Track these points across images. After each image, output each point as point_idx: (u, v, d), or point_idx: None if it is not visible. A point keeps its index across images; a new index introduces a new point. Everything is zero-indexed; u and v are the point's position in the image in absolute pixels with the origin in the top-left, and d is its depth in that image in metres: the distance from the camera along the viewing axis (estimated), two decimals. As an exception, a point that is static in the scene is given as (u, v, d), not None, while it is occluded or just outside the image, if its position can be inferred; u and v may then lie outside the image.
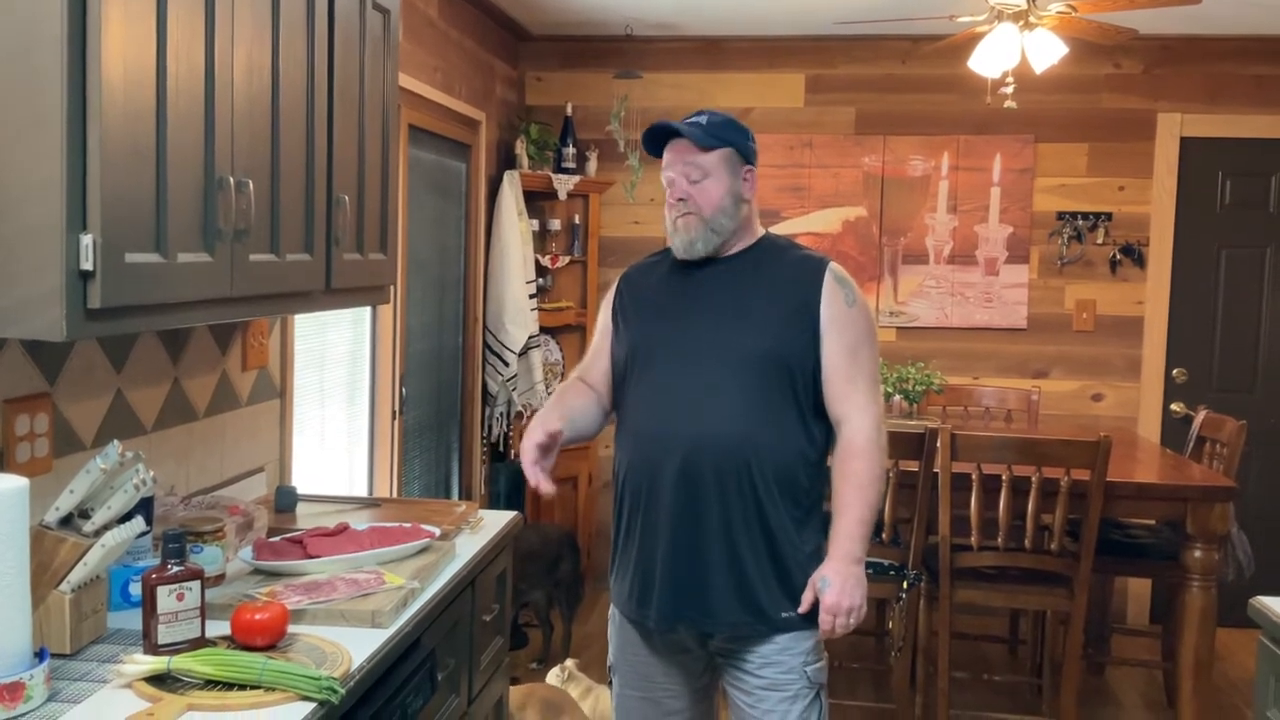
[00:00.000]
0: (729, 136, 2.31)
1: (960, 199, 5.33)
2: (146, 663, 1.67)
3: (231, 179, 1.87)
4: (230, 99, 1.87)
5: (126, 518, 1.82)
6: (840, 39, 5.24)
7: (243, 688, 1.64)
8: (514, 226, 4.83)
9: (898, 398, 4.50)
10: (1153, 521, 4.31)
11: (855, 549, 2.25)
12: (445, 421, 4.65)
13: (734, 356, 2.27)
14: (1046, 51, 3.89)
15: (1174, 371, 5.30)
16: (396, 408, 3.98)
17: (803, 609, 2.25)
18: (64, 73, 1.50)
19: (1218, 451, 4.25)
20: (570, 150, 5.24)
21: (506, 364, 4.83)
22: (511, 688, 3.21)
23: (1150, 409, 5.30)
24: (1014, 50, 3.87)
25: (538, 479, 2.20)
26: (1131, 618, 5.31)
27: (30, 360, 1.97)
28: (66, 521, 1.81)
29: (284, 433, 3.01)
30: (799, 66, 5.40)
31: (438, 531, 2.44)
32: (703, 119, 2.32)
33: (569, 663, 3.67)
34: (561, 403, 2.38)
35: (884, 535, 3.77)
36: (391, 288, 2.80)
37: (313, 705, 1.62)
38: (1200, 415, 4.53)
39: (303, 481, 3.10)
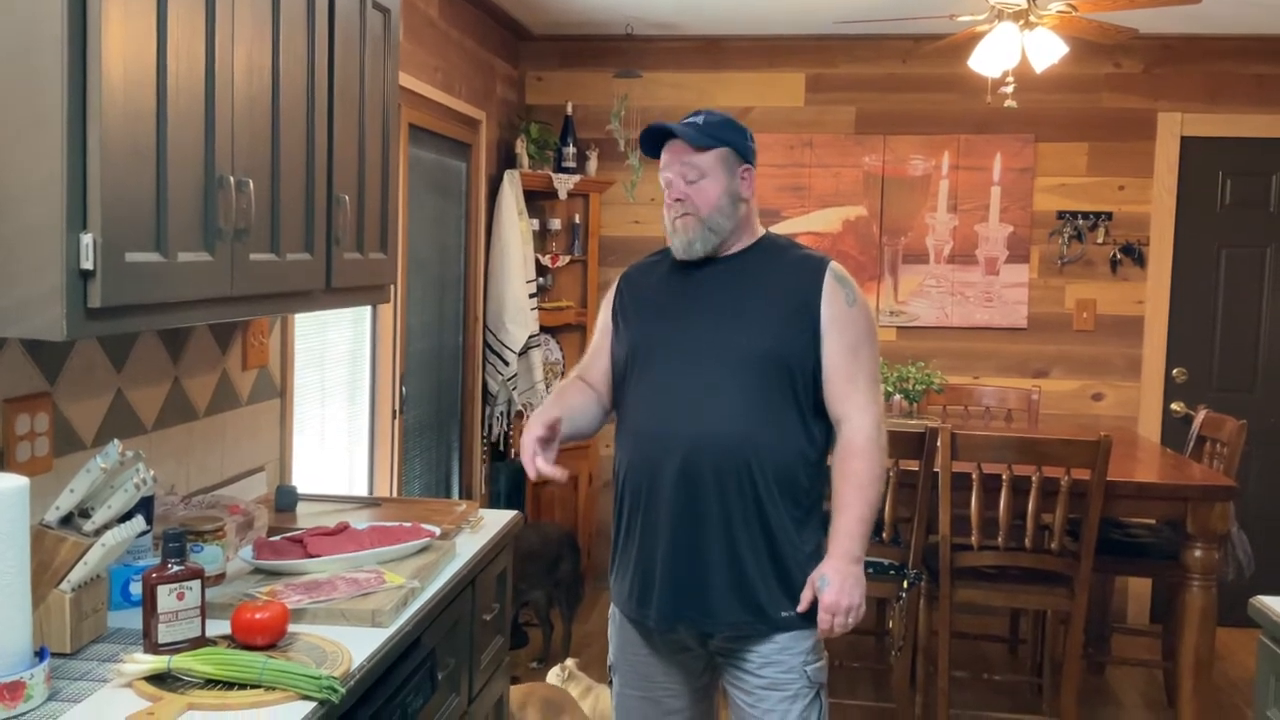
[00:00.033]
0: (725, 136, 2.31)
1: (960, 198, 5.33)
2: (147, 662, 1.68)
3: (232, 178, 1.87)
4: (230, 98, 1.87)
5: (127, 517, 1.82)
6: (840, 38, 5.24)
7: (243, 687, 1.65)
8: (514, 226, 4.83)
9: (898, 397, 4.50)
10: (1153, 521, 4.31)
11: (854, 548, 2.25)
12: (445, 421, 4.65)
13: (734, 356, 2.27)
14: (1047, 51, 3.89)
15: (1174, 371, 5.30)
16: (397, 407, 3.98)
17: (802, 608, 2.25)
18: (64, 72, 1.50)
19: (1218, 451, 4.25)
20: (570, 150, 5.24)
21: (507, 363, 4.83)
22: (512, 687, 3.21)
23: (1150, 408, 5.31)
24: (1014, 50, 3.87)
25: (539, 469, 2.18)
26: (1132, 617, 5.31)
27: (30, 359, 1.97)
28: (67, 521, 1.81)
29: (284, 432, 3.01)
30: (799, 66, 5.40)
31: (438, 531, 2.44)
32: (699, 119, 2.32)
33: (569, 662, 3.67)
34: (560, 400, 2.38)
35: (884, 534, 3.77)
36: (392, 287, 2.80)
37: (313, 704, 1.62)
38: (1200, 415, 4.53)
39: (303, 481, 3.10)
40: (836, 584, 2.21)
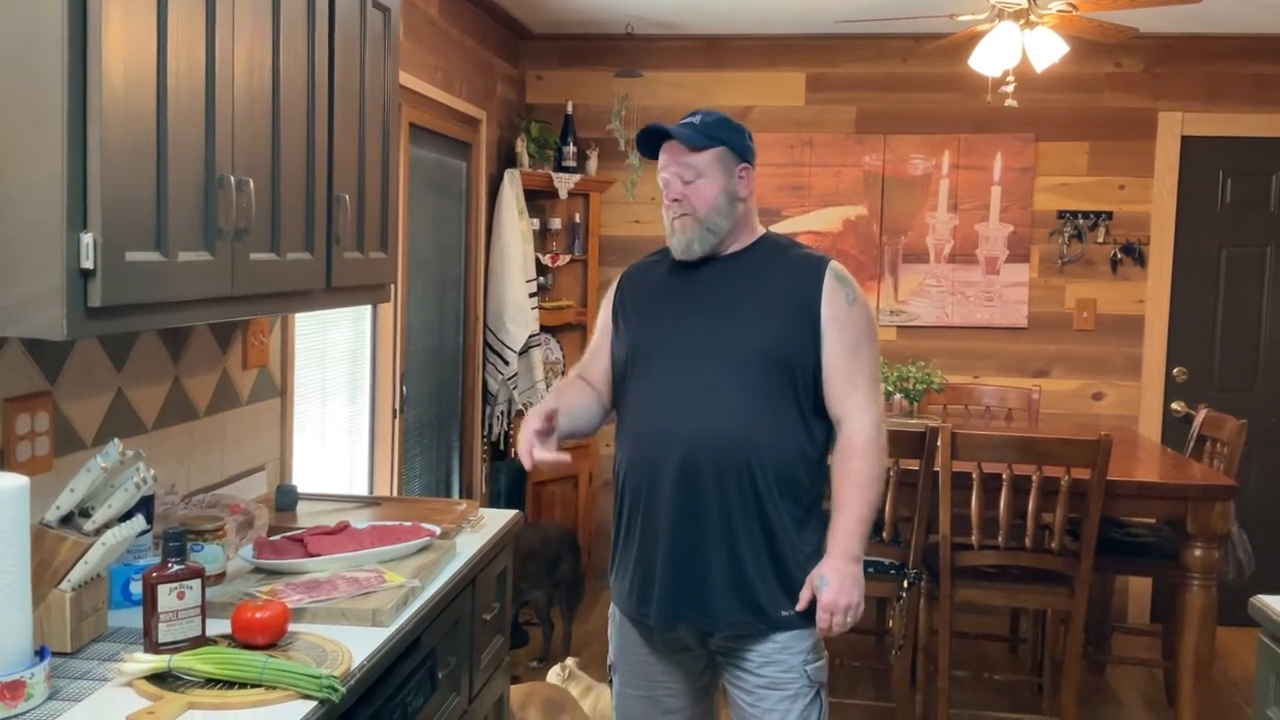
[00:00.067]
0: (722, 135, 2.31)
1: (961, 198, 5.33)
2: (147, 661, 1.68)
3: (232, 178, 1.87)
4: (231, 98, 1.87)
5: (127, 516, 1.82)
6: (841, 37, 5.24)
7: (243, 686, 1.64)
8: (514, 225, 4.83)
9: (898, 396, 4.50)
10: (1153, 520, 4.31)
11: (853, 547, 2.25)
12: (446, 420, 4.65)
13: (734, 355, 2.27)
14: (1047, 50, 3.89)
15: (1174, 370, 5.30)
16: (397, 406, 3.98)
17: (800, 606, 2.25)
18: (64, 72, 1.50)
19: (1218, 450, 4.25)
20: (571, 149, 5.24)
21: (507, 363, 4.83)
22: (513, 687, 3.22)
23: (1151, 408, 5.30)
24: (1015, 49, 3.87)
25: (535, 457, 2.17)
26: (1132, 616, 5.31)
27: (31, 359, 1.97)
28: (67, 520, 1.81)
29: (284, 431, 3.01)
30: (800, 65, 5.40)
31: (438, 530, 2.44)
32: (696, 119, 2.32)
33: (569, 661, 3.67)
34: (558, 397, 2.38)
35: (884, 534, 3.77)
36: (392, 286, 2.80)
37: (313, 704, 1.63)
38: (1201, 414, 4.52)
39: (303, 480, 3.10)
40: (835, 583, 2.21)
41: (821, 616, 2.22)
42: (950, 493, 3.68)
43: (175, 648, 1.74)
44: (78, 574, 1.76)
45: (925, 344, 5.32)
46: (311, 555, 2.22)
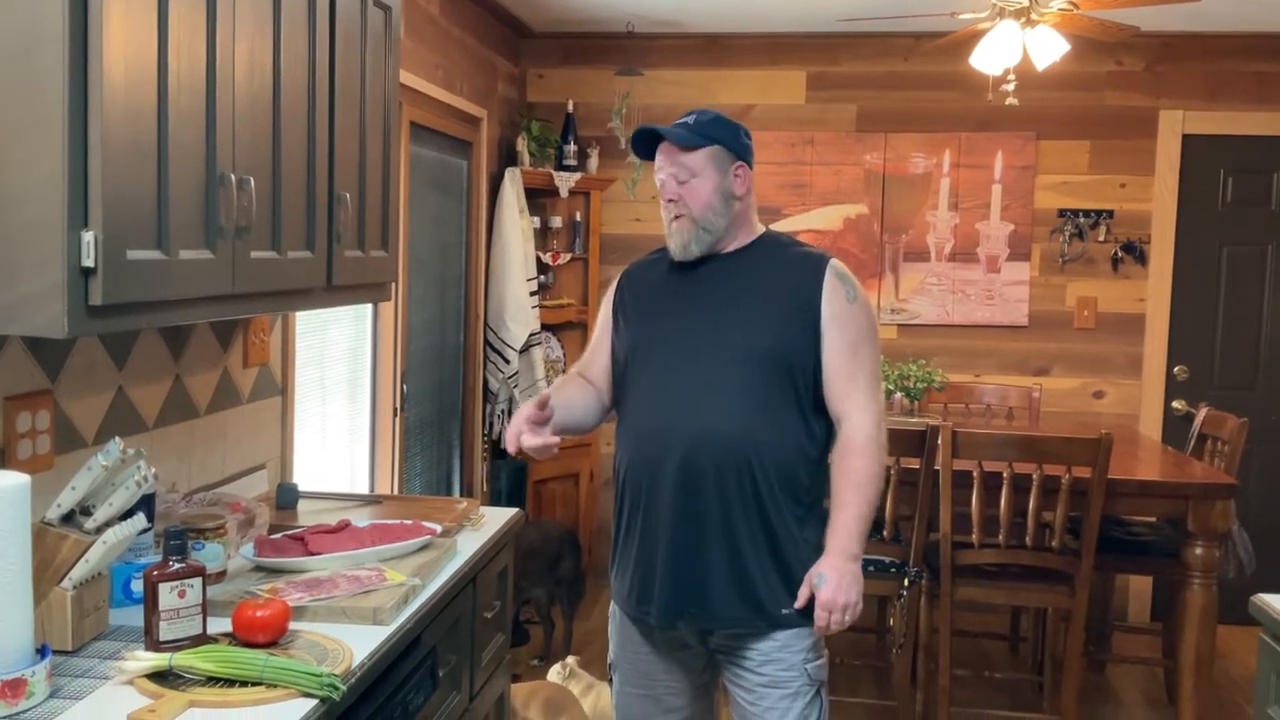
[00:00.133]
0: (716, 134, 2.30)
1: (961, 196, 5.32)
2: (148, 659, 1.68)
3: (233, 176, 1.87)
4: (231, 96, 1.87)
5: (128, 514, 1.83)
6: (842, 36, 5.24)
7: (244, 684, 1.65)
8: (515, 223, 4.83)
9: (899, 395, 4.50)
10: (1154, 519, 4.31)
11: (852, 546, 2.25)
12: (446, 419, 4.65)
13: (734, 354, 2.27)
14: (1048, 49, 3.89)
15: (1175, 369, 5.29)
16: (398, 405, 3.98)
17: (799, 604, 2.25)
18: (65, 70, 1.50)
19: (1219, 449, 4.25)
20: (571, 147, 5.24)
21: (508, 361, 4.83)
22: (515, 686, 3.22)
23: (1151, 406, 5.30)
24: (1016, 47, 3.87)
25: (522, 442, 2.16)
26: (1132, 615, 5.31)
27: (31, 357, 1.97)
28: (68, 518, 1.81)
29: (285, 430, 3.01)
30: (800, 63, 5.39)
31: (439, 528, 2.44)
32: (691, 119, 2.32)
33: (570, 660, 3.67)
34: (557, 393, 2.38)
35: (885, 532, 3.76)
36: (393, 285, 2.80)
37: (314, 702, 1.63)
38: (1201, 413, 4.52)
39: (304, 479, 3.10)
40: (834, 581, 2.21)
41: (820, 614, 2.22)
42: (951, 491, 3.68)
43: (176, 646, 1.74)
44: (79, 572, 1.76)
45: (926, 342, 5.32)
46: (312, 554, 2.22)
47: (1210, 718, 4.04)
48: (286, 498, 2.69)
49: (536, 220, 5.08)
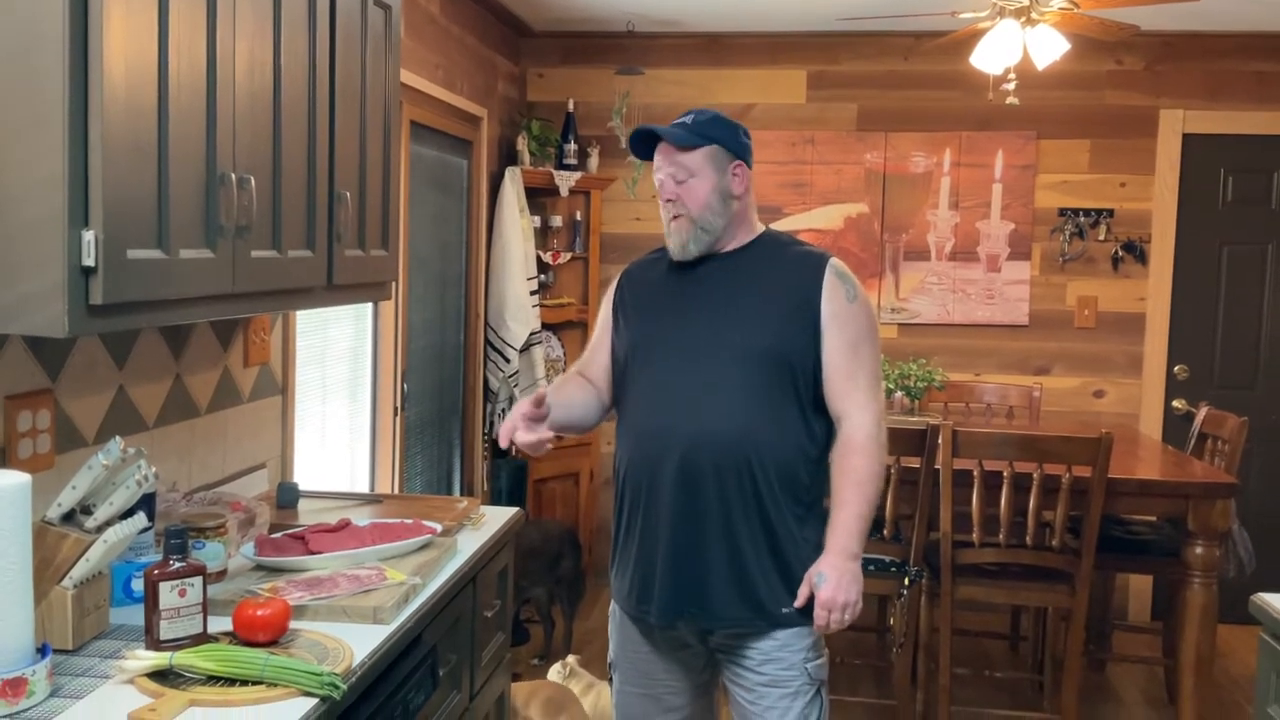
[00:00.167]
0: (713, 133, 2.30)
1: (962, 195, 5.32)
2: (149, 658, 1.68)
3: (233, 175, 1.87)
4: (232, 95, 1.87)
5: (129, 514, 1.83)
6: (842, 35, 5.24)
7: (245, 683, 1.65)
8: (515, 223, 4.83)
9: (899, 394, 4.50)
10: (1154, 518, 4.31)
11: (852, 545, 2.25)
12: (447, 418, 4.65)
13: (733, 353, 2.27)
14: (1048, 48, 3.89)
15: (1175, 368, 5.29)
16: (398, 404, 3.98)
17: (798, 603, 2.25)
18: (65, 69, 1.50)
19: (1219, 448, 4.25)
20: (572, 146, 5.24)
21: (508, 360, 4.84)
22: (516, 685, 3.22)
23: (1152, 405, 5.30)
24: (1016, 46, 3.87)
25: (517, 439, 2.17)
26: (1133, 614, 5.31)
27: (32, 356, 1.98)
28: (69, 517, 1.81)
29: (286, 429, 3.01)
30: (801, 62, 5.39)
31: (439, 528, 2.44)
32: (689, 118, 2.32)
33: (570, 659, 3.68)
34: (555, 391, 2.38)
35: (885, 532, 3.76)
36: (393, 284, 2.80)
37: (314, 701, 1.63)
38: (1202, 412, 4.52)
39: (304, 478, 3.10)
40: (833, 580, 2.21)
41: (819, 613, 2.22)
42: (951, 490, 3.68)
43: (177, 645, 1.74)
44: (79, 571, 1.76)
45: (926, 341, 5.32)
46: (313, 553, 2.22)
47: (1210, 717, 4.04)
48: (287, 497, 2.69)
49: (537, 219, 5.08)
